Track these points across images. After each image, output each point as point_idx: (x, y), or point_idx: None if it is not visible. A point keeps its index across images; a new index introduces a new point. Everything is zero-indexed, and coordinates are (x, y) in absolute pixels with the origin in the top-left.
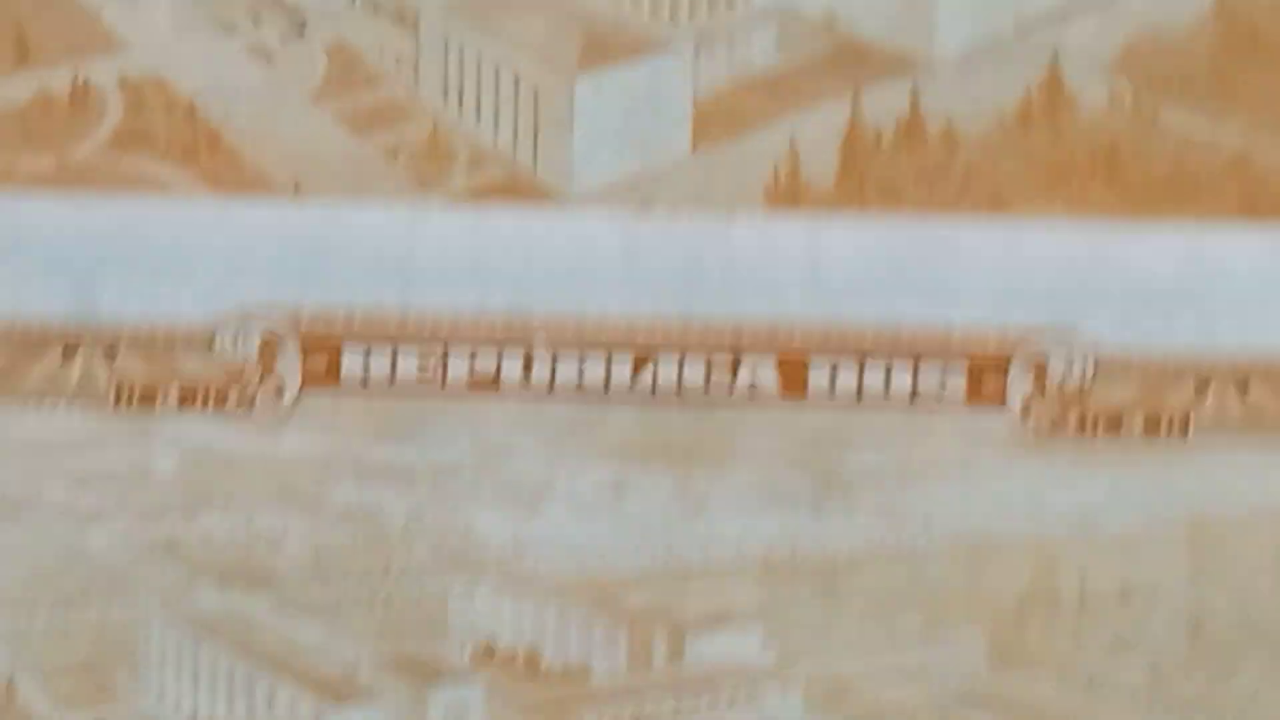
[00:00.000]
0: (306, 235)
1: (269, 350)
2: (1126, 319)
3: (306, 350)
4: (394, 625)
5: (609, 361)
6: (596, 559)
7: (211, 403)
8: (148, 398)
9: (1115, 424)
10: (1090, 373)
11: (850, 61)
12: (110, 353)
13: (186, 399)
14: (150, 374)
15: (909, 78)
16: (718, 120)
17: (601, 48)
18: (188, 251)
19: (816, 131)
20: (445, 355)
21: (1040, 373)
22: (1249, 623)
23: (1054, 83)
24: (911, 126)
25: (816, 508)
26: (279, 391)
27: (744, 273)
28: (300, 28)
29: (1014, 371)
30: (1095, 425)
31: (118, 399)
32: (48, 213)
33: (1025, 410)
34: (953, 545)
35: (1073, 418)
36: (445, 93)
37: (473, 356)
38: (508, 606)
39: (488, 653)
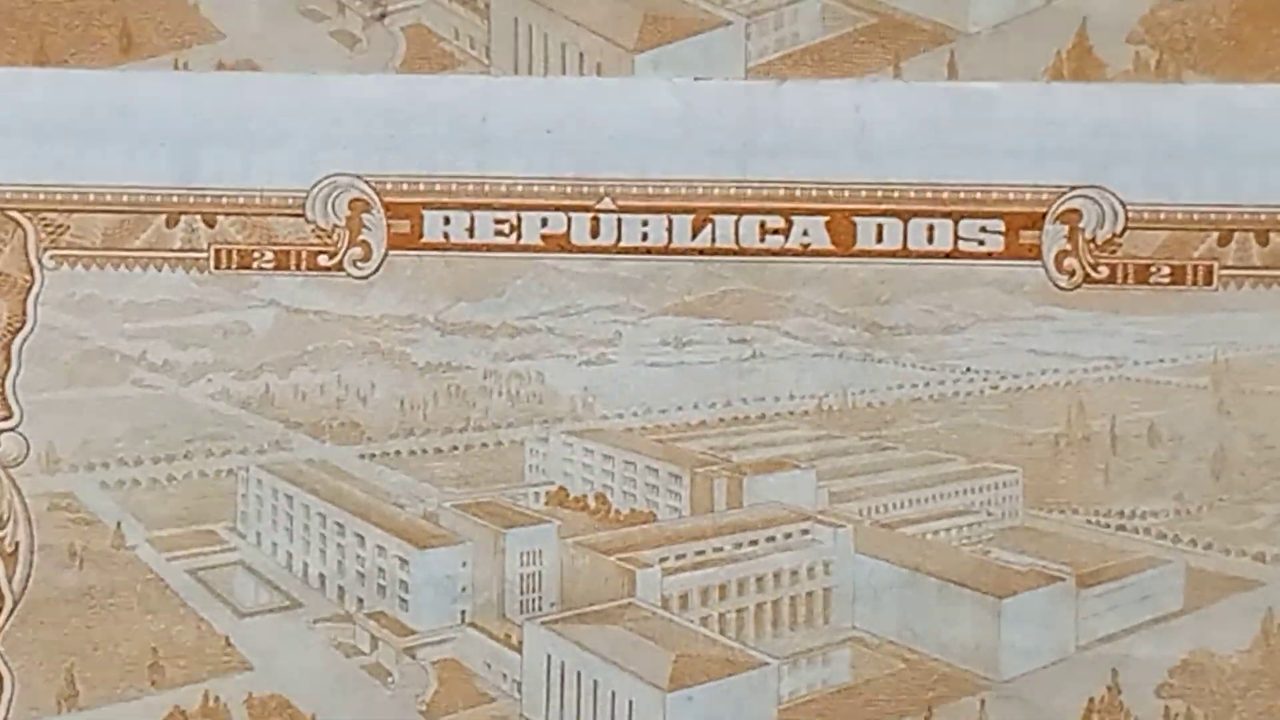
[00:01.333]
0: (390, 108)
1: (356, 216)
2: (1153, 175)
3: (391, 215)
4: (473, 473)
5: (670, 221)
6: (660, 408)
7: (304, 265)
8: (244, 261)
9: (1143, 274)
10: (1120, 226)
11: (891, 34)
12: (210, 220)
13: (280, 262)
14: (247, 239)
15: (946, 47)
16: None
17: (659, 26)
18: (281, 125)
19: None
20: (519, 218)
21: (1073, 227)
22: (1269, 460)
23: (1082, 49)
24: None
25: (864, 357)
26: (366, 254)
27: (795, 136)
28: (381, 13)
29: (1048, 226)
30: (1124, 275)
31: (217, 262)
32: (153, 91)
33: (1059, 262)
34: (992, 391)
35: (1103, 269)
36: (515, 70)
37: (544, 219)
38: (578, 454)
39: (560, 498)
